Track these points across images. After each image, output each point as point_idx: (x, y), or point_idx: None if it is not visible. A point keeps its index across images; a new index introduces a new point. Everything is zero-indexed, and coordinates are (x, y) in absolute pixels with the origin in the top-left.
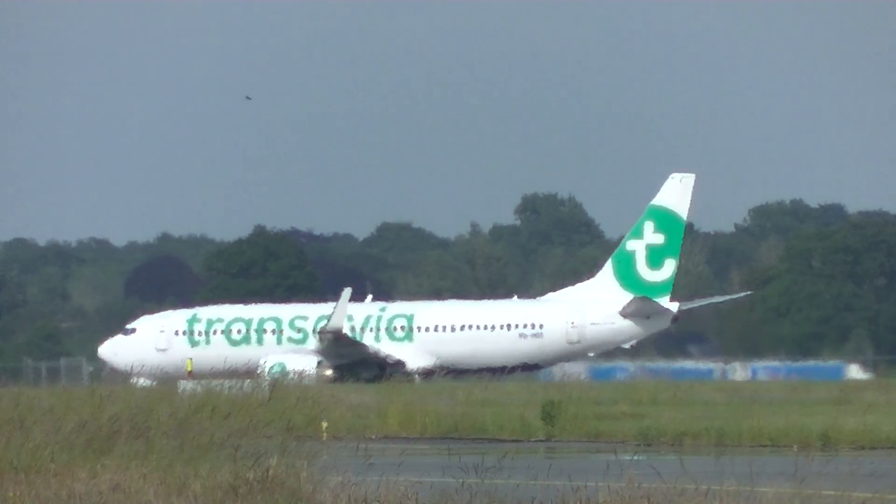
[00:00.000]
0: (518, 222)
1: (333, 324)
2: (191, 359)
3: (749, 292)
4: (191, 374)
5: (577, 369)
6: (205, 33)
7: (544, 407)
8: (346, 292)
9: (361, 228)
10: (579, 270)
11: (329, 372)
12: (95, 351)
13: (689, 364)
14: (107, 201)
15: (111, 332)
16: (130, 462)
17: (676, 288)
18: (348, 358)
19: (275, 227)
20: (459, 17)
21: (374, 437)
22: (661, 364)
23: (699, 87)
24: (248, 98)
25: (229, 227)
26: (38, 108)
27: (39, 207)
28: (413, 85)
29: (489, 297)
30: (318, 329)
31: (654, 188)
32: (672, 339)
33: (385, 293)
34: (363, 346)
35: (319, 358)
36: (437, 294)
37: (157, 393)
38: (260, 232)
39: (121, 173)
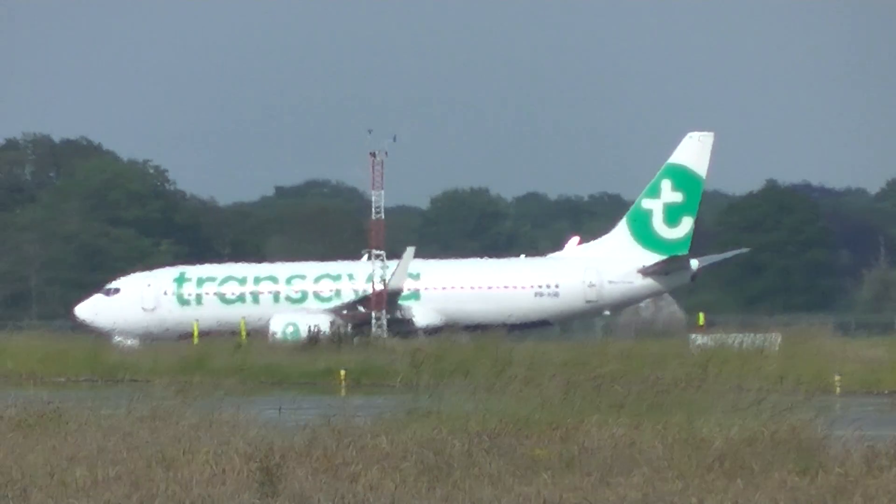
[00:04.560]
0: None
1: (395, 283)
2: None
3: (745, 249)
4: (701, 328)
5: None
6: None
7: None
8: (409, 251)
9: (874, 183)
10: None
11: (347, 331)
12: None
13: None
14: (619, 156)
15: None
16: (643, 418)
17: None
18: (370, 316)
19: (787, 180)
20: None
21: (887, 391)
22: None
23: None
24: None
25: (742, 180)
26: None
27: (551, 162)
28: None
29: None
30: (389, 286)
31: None
32: None
33: None
34: (399, 306)
35: (332, 317)
36: None
37: (667, 349)
38: (772, 186)
39: (640, 128)
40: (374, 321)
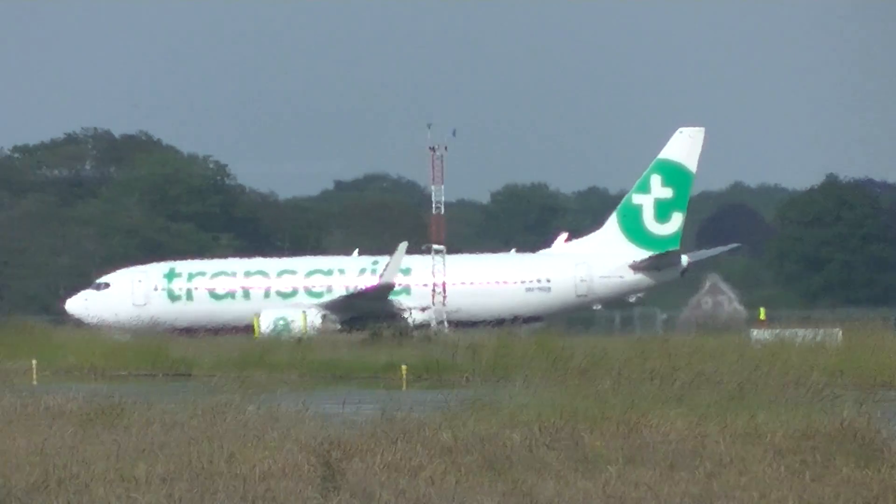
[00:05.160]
0: None
1: (388, 278)
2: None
3: (737, 244)
4: (762, 323)
5: None
6: None
7: None
8: (402, 246)
9: None
10: None
11: (337, 326)
12: (669, 300)
13: None
14: None
15: (683, 283)
16: (705, 412)
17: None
18: (362, 311)
19: (847, 175)
20: None
21: None
22: None
23: None
24: None
25: (802, 175)
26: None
27: (611, 157)
28: None
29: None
30: (382, 281)
31: None
32: None
33: None
34: (390, 301)
35: (324, 312)
36: None
37: (726, 344)
38: (832, 181)
39: (693, 125)
40: (434, 316)
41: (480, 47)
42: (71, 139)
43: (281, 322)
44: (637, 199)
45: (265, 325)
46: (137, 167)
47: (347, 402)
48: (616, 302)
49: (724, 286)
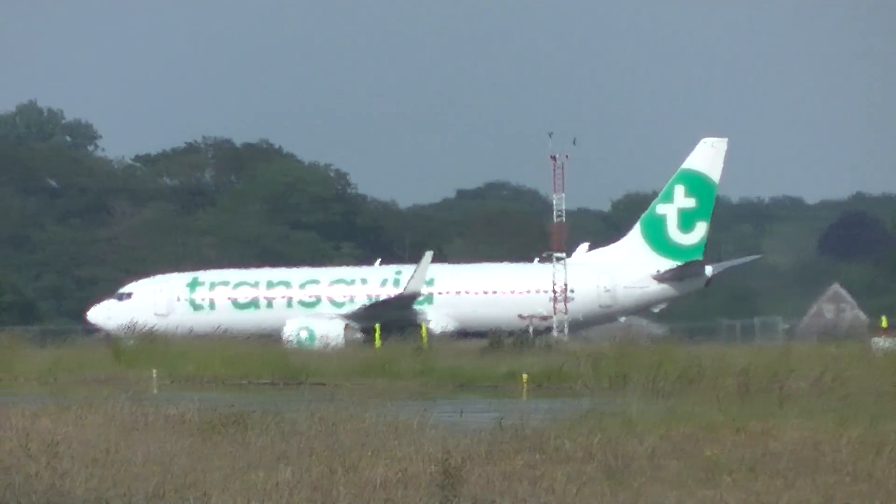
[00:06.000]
0: None
1: (413, 287)
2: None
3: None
4: (884, 331)
5: None
6: None
7: None
8: (427, 256)
9: None
10: None
11: (359, 335)
12: (790, 309)
13: None
14: (801, 159)
15: (804, 291)
16: (826, 420)
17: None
18: (386, 320)
19: None
20: None
21: None
22: None
23: None
24: None
25: None
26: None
27: (734, 164)
28: None
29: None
30: (404, 292)
31: None
32: None
33: None
34: (413, 310)
35: (346, 321)
36: None
37: (848, 352)
38: None
39: (813, 133)
40: (555, 324)
41: (600, 56)
42: (191, 148)
43: (305, 331)
44: (661, 208)
45: (288, 333)
46: (258, 176)
47: (467, 410)
48: (639, 313)
49: (845, 294)
